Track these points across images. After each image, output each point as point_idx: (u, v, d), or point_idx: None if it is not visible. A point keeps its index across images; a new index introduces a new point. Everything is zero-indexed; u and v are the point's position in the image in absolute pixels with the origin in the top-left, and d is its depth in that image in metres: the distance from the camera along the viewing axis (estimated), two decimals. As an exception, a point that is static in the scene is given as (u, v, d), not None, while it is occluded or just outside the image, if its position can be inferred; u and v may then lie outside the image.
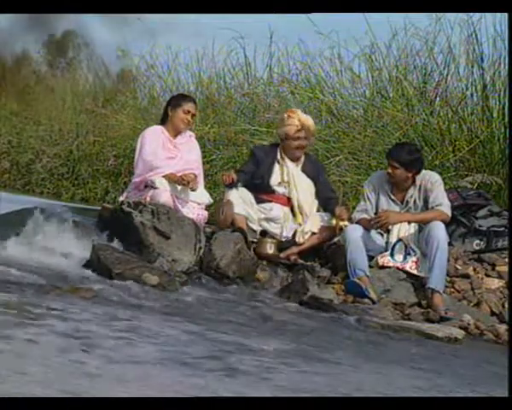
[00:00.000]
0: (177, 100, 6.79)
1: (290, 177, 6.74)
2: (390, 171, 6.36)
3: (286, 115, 6.83)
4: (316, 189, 6.80)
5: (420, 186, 6.39)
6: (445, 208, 6.31)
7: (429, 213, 6.31)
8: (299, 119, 6.72)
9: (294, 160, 6.78)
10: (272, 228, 6.64)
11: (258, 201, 6.71)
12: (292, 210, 6.73)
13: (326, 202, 6.76)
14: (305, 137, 6.73)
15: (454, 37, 9.19)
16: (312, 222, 6.64)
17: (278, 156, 6.80)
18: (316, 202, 6.81)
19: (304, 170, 6.80)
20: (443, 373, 4.42)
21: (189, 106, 6.71)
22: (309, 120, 6.78)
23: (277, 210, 6.68)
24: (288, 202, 6.74)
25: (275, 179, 6.75)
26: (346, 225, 6.44)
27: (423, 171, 6.49)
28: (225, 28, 10.78)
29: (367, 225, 6.32)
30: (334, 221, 6.54)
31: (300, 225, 6.64)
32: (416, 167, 6.37)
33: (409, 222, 6.36)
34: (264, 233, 6.64)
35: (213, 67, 11.78)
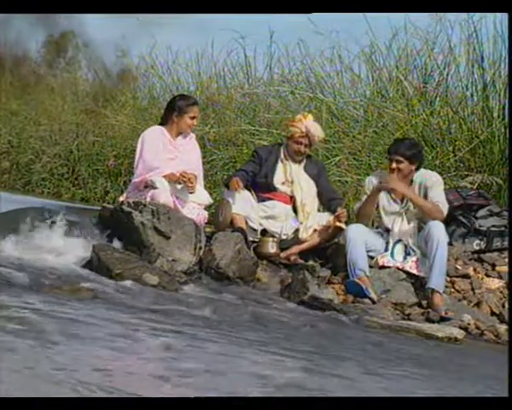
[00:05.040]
0: (183, 106, 6.69)
1: (293, 176, 6.75)
2: (394, 166, 6.35)
3: (298, 117, 6.85)
4: (317, 189, 6.80)
5: (420, 185, 6.40)
6: (443, 207, 6.32)
7: (428, 202, 6.31)
8: (306, 125, 6.72)
9: (295, 161, 6.80)
10: (272, 226, 6.64)
11: (260, 199, 6.72)
12: (294, 209, 6.74)
13: (329, 203, 6.77)
14: (306, 144, 6.74)
15: (454, 37, 9.21)
16: (315, 220, 6.65)
17: (281, 155, 6.82)
18: (316, 201, 6.82)
19: (306, 170, 6.82)
20: (443, 373, 4.42)
21: (194, 111, 6.71)
22: (316, 130, 6.76)
23: (280, 208, 6.68)
24: (290, 200, 6.75)
25: (278, 178, 6.76)
26: (341, 227, 6.46)
27: (424, 170, 6.50)
28: (225, 28, 10.79)
29: (373, 193, 6.36)
30: (331, 220, 6.54)
31: (302, 223, 6.65)
32: (418, 160, 6.40)
33: (402, 199, 6.37)
34: (264, 232, 6.65)
35: (213, 67, 11.80)
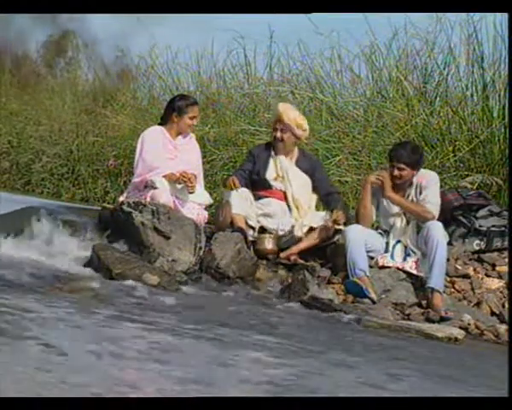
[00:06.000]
0: (182, 106, 6.69)
1: (284, 171, 6.77)
2: (397, 173, 6.33)
3: None
4: (313, 185, 6.81)
5: (417, 185, 6.41)
6: (432, 207, 6.32)
7: (415, 205, 6.34)
8: (276, 109, 6.80)
9: (279, 152, 6.79)
10: (269, 223, 6.65)
11: (256, 197, 6.73)
12: (288, 205, 6.75)
13: (327, 198, 6.78)
14: (281, 129, 6.73)
15: (454, 37, 9.20)
16: (312, 218, 6.65)
17: (272, 151, 6.84)
18: (314, 197, 6.82)
19: (298, 165, 6.83)
20: (443, 373, 4.42)
21: (194, 111, 6.71)
22: (285, 110, 6.75)
23: (275, 205, 6.69)
24: (285, 197, 6.76)
25: (270, 173, 6.79)
26: (341, 230, 6.45)
27: (422, 170, 6.50)
28: (225, 28, 10.79)
29: (365, 185, 6.42)
30: (330, 224, 6.54)
31: (297, 220, 6.65)
32: (420, 165, 6.41)
33: (402, 211, 6.39)
34: (262, 229, 6.65)
35: (213, 67, 11.79)
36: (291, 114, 6.75)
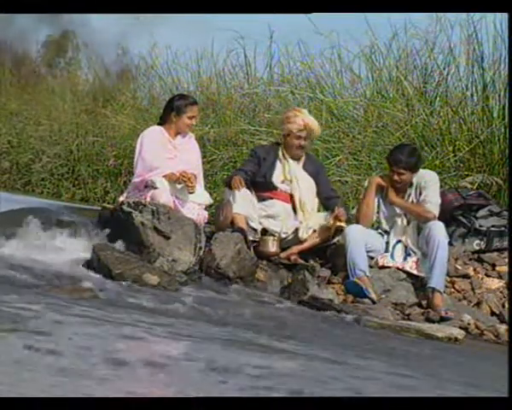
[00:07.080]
0: (181, 106, 6.69)
1: (292, 174, 6.75)
2: (397, 178, 6.34)
3: (292, 113, 6.86)
4: (316, 188, 6.81)
5: (416, 185, 6.41)
6: (432, 207, 6.33)
7: (416, 206, 6.35)
8: (303, 118, 6.74)
9: (295, 158, 6.80)
10: (272, 225, 6.64)
11: (260, 199, 6.71)
12: (293, 207, 6.74)
13: (327, 201, 6.78)
14: (305, 137, 6.75)
15: (454, 37, 9.21)
16: (315, 220, 6.65)
17: (280, 154, 6.82)
18: (317, 200, 6.82)
19: (305, 168, 6.82)
20: (442, 373, 4.42)
21: (193, 111, 6.71)
22: (314, 123, 6.80)
23: (279, 206, 6.68)
24: (290, 198, 6.75)
25: (277, 177, 6.76)
26: (342, 227, 6.45)
27: (422, 170, 6.50)
28: (225, 28, 10.79)
29: (370, 185, 6.45)
30: (331, 221, 6.53)
31: (301, 222, 6.64)
32: (419, 166, 6.41)
33: (405, 214, 6.39)
34: (264, 231, 6.64)
35: (213, 67, 11.80)
36: (317, 126, 6.84)
